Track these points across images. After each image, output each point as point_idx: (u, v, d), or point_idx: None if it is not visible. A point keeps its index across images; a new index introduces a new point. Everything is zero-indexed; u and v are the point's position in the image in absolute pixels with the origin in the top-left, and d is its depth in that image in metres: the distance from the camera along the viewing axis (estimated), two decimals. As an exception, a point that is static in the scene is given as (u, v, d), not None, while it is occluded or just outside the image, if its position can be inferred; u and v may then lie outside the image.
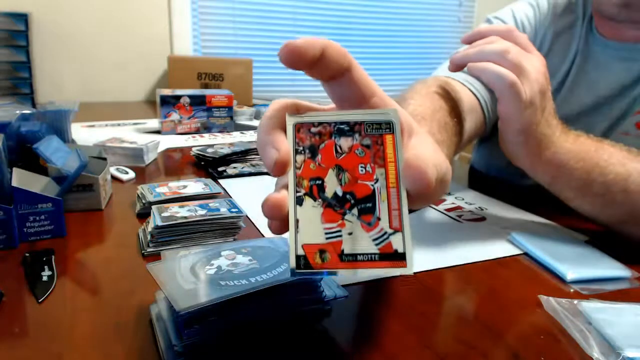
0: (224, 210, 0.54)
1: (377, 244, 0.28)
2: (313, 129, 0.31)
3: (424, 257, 0.51)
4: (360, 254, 0.28)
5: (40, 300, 0.41)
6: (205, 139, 1.08)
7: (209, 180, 0.68)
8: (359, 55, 2.27)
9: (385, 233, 0.29)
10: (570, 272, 0.48)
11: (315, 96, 2.21)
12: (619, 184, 0.53)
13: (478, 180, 0.93)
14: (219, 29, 2.00)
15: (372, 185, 0.30)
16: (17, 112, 0.75)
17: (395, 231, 0.29)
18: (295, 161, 0.30)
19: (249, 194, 0.70)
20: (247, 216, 0.59)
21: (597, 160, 0.54)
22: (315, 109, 0.34)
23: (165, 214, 0.52)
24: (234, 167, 0.81)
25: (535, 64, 0.53)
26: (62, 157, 0.62)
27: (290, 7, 2.11)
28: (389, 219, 0.29)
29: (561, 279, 0.48)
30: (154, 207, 0.54)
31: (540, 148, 0.55)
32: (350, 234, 0.29)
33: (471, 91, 0.72)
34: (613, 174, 0.53)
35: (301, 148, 0.31)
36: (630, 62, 0.70)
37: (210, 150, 0.84)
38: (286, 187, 0.30)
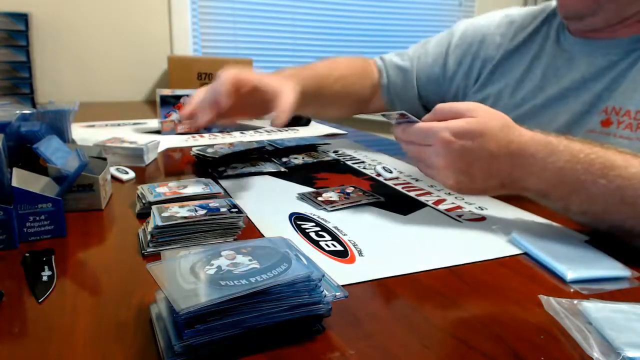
0: (224, 210, 0.54)
1: None
2: None
3: (424, 257, 0.52)
4: None
5: (40, 300, 0.41)
6: (205, 139, 1.08)
7: (209, 180, 0.68)
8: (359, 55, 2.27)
9: None
10: (570, 272, 0.48)
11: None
12: (598, 204, 0.54)
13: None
14: (219, 29, 2.00)
15: None
16: (17, 112, 0.75)
17: None
18: None
19: (249, 194, 0.70)
20: (247, 216, 0.59)
21: (570, 189, 0.54)
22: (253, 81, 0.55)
23: (165, 214, 0.52)
24: (234, 167, 0.81)
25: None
26: (62, 157, 0.62)
27: (290, 7, 2.11)
28: None
29: (561, 279, 0.48)
30: (154, 207, 0.54)
31: (505, 188, 0.58)
32: None
33: (381, 74, 0.97)
34: (587, 196, 0.54)
35: None
36: (592, 56, 0.75)
37: (210, 150, 0.84)
38: None
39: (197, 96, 0.70)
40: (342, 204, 0.65)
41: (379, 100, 0.99)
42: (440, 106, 0.58)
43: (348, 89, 0.93)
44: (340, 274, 0.46)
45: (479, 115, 0.55)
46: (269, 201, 0.68)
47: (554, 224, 0.62)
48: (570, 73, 0.77)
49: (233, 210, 0.54)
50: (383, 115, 0.62)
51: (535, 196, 0.58)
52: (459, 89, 0.93)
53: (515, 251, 0.54)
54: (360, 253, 0.52)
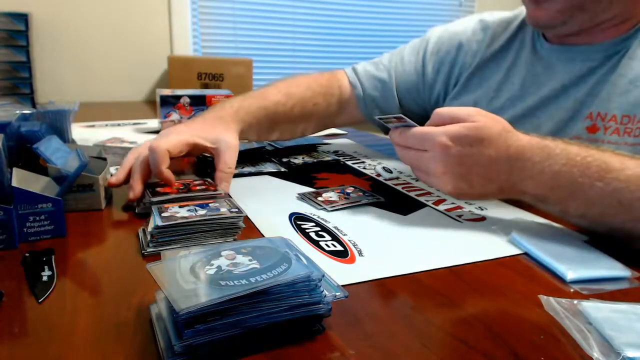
0: (224, 210, 0.54)
1: None
2: None
3: (424, 257, 0.52)
4: None
5: (40, 300, 0.41)
6: (205, 139, 1.08)
7: (209, 180, 0.68)
8: (359, 55, 2.27)
9: None
10: (570, 272, 0.48)
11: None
12: (595, 207, 0.54)
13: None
14: (219, 29, 2.00)
15: None
16: (17, 112, 0.75)
17: None
18: None
19: (249, 194, 0.70)
20: (247, 216, 0.59)
21: (568, 193, 0.54)
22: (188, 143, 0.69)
23: (165, 214, 0.52)
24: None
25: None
26: (62, 157, 0.62)
27: (290, 7, 2.11)
28: None
29: (561, 279, 0.48)
30: (154, 207, 0.54)
31: (504, 193, 0.58)
32: None
33: (354, 86, 0.92)
34: (585, 200, 0.53)
35: None
36: (571, 63, 0.74)
37: (210, 150, 0.84)
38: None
39: (127, 163, 0.67)
40: (342, 204, 0.65)
41: (352, 112, 0.93)
42: (438, 111, 0.57)
43: (309, 110, 0.87)
44: (340, 274, 0.46)
45: (478, 121, 0.54)
46: (269, 201, 0.68)
47: (554, 224, 0.62)
48: (550, 81, 0.76)
49: (233, 210, 0.54)
50: (380, 119, 0.61)
51: (533, 200, 0.57)
52: (439, 96, 0.91)
53: (515, 251, 0.54)
54: (360, 253, 0.52)
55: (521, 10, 0.83)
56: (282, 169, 0.82)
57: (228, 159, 0.68)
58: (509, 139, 0.55)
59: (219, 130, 0.72)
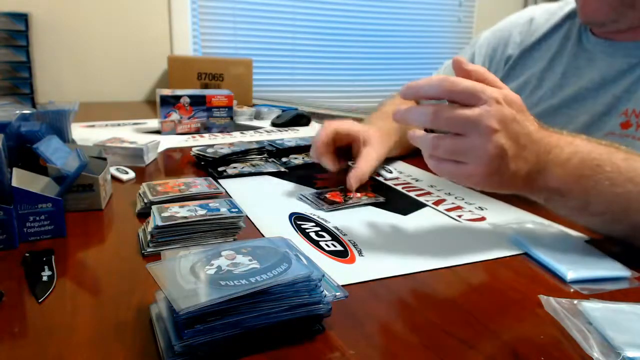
0: (224, 210, 0.54)
1: None
2: None
3: (424, 257, 0.51)
4: None
5: (40, 300, 0.41)
6: (205, 139, 1.08)
7: (210, 180, 0.68)
8: (359, 55, 2.27)
9: None
10: (570, 272, 0.48)
11: (312, 96, 2.21)
12: (619, 204, 0.50)
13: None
14: (219, 29, 2.00)
15: None
16: (17, 112, 0.75)
17: None
18: None
19: (249, 194, 0.70)
20: (247, 216, 0.59)
21: (594, 183, 0.50)
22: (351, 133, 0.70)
23: (165, 214, 0.52)
24: (234, 167, 0.81)
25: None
26: (62, 157, 0.62)
27: (290, 7, 2.11)
28: None
29: (561, 279, 0.48)
30: (154, 207, 0.54)
31: (528, 182, 0.51)
32: None
33: None
34: (611, 194, 0.50)
35: None
36: (612, 57, 0.75)
37: (210, 150, 0.84)
38: None
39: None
40: (342, 204, 0.65)
41: None
42: (466, 65, 0.50)
43: None
44: (340, 274, 0.46)
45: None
46: (269, 201, 0.68)
47: (554, 224, 0.62)
48: (590, 73, 0.76)
49: (233, 210, 0.54)
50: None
51: (552, 195, 0.52)
52: None
53: (515, 251, 0.54)
54: (360, 253, 0.52)
55: (567, 1, 0.85)
56: (282, 169, 0.82)
57: (363, 164, 0.74)
58: (533, 118, 0.51)
59: (380, 139, 0.80)
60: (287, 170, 0.82)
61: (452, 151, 0.48)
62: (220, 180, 0.75)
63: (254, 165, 0.83)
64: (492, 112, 0.46)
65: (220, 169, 0.80)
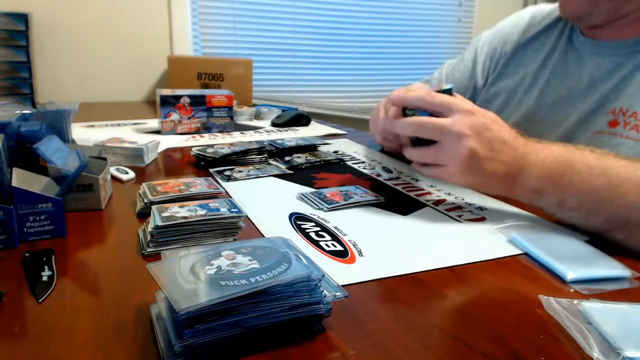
0: (224, 210, 0.54)
1: None
2: None
3: (424, 257, 0.52)
4: None
5: (40, 300, 0.41)
6: (205, 139, 1.08)
7: (209, 180, 0.68)
8: (359, 55, 2.27)
9: None
10: (570, 272, 0.48)
11: (312, 96, 2.21)
12: (592, 197, 0.55)
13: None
14: (219, 29, 2.00)
15: None
16: (17, 112, 0.75)
17: None
18: None
19: (249, 194, 0.70)
20: (247, 216, 0.59)
21: (567, 180, 0.55)
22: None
23: (165, 214, 0.52)
24: (240, 172, 0.79)
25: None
26: (62, 157, 0.62)
27: (290, 7, 2.11)
28: None
29: (561, 279, 0.48)
30: (154, 207, 0.54)
31: (507, 182, 0.59)
32: None
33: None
34: (584, 188, 0.55)
35: None
36: (600, 57, 0.77)
37: (210, 150, 0.84)
38: None
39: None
40: (342, 204, 0.65)
41: None
42: (434, 95, 0.60)
43: None
44: (340, 274, 0.46)
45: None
46: (269, 201, 0.68)
47: (554, 224, 0.62)
48: (579, 73, 0.78)
49: (233, 210, 0.54)
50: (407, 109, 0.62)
51: (532, 194, 0.58)
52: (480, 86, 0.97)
53: (515, 251, 0.54)
54: (360, 253, 0.52)
55: None
56: (288, 171, 0.81)
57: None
58: (511, 129, 0.59)
59: None
60: (292, 172, 0.81)
61: (434, 156, 0.59)
62: (220, 181, 0.75)
63: (259, 169, 0.81)
64: (463, 120, 0.56)
65: (226, 173, 0.78)
